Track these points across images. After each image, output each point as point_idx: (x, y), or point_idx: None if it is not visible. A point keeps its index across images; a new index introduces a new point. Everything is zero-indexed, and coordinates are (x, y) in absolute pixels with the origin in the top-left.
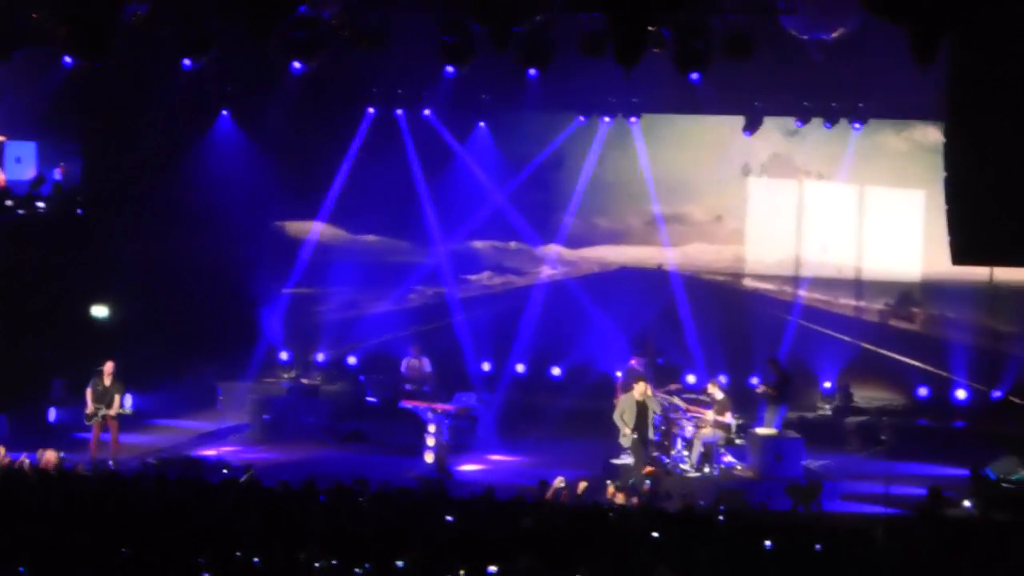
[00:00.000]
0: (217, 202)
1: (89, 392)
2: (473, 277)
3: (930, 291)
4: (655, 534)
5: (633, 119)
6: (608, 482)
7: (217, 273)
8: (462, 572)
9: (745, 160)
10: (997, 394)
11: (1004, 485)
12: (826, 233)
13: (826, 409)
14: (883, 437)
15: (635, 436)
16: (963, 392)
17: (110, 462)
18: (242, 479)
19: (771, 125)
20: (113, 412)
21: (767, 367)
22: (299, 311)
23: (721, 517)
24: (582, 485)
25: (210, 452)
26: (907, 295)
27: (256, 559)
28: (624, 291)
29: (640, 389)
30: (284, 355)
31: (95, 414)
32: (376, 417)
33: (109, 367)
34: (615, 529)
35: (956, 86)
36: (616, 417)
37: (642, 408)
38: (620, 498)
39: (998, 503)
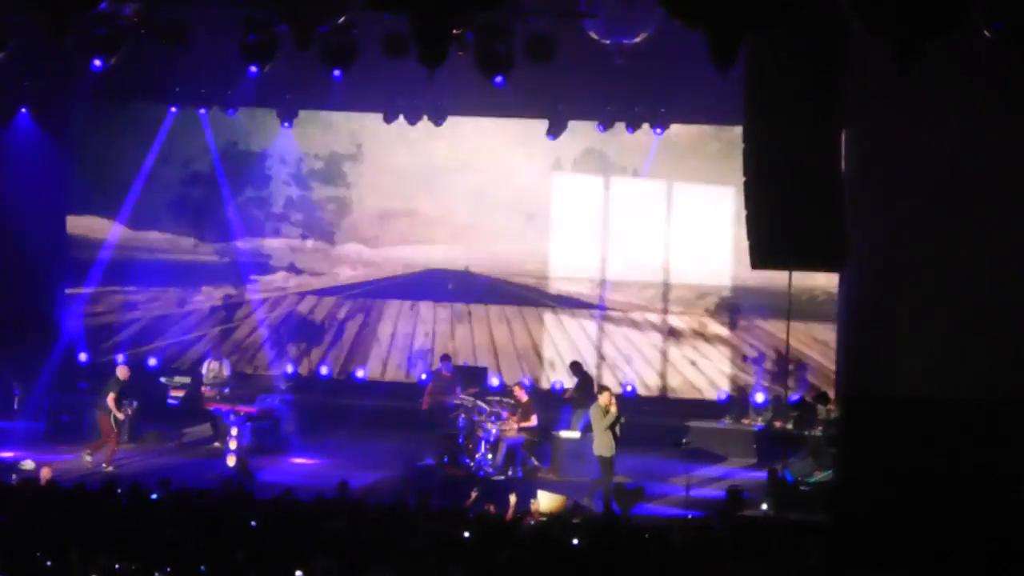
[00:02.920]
0: (14, 201)
1: (113, 398)
2: (269, 277)
3: (739, 294)
4: (466, 534)
5: (439, 121)
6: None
7: (13, 273)
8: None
9: (557, 156)
10: (794, 397)
11: (801, 488)
12: (638, 234)
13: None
14: (684, 439)
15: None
16: (761, 395)
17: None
18: (39, 480)
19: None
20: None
21: (570, 371)
22: (98, 311)
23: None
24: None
25: (6, 453)
26: (719, 298)
27: (51, 562)
28: (430, 293)
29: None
30: (83, 356)
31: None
32: (177, 419)
33: (124, 372)
34: (416, 531)
35: (752, 90)
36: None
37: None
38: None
39: (794, 505)
